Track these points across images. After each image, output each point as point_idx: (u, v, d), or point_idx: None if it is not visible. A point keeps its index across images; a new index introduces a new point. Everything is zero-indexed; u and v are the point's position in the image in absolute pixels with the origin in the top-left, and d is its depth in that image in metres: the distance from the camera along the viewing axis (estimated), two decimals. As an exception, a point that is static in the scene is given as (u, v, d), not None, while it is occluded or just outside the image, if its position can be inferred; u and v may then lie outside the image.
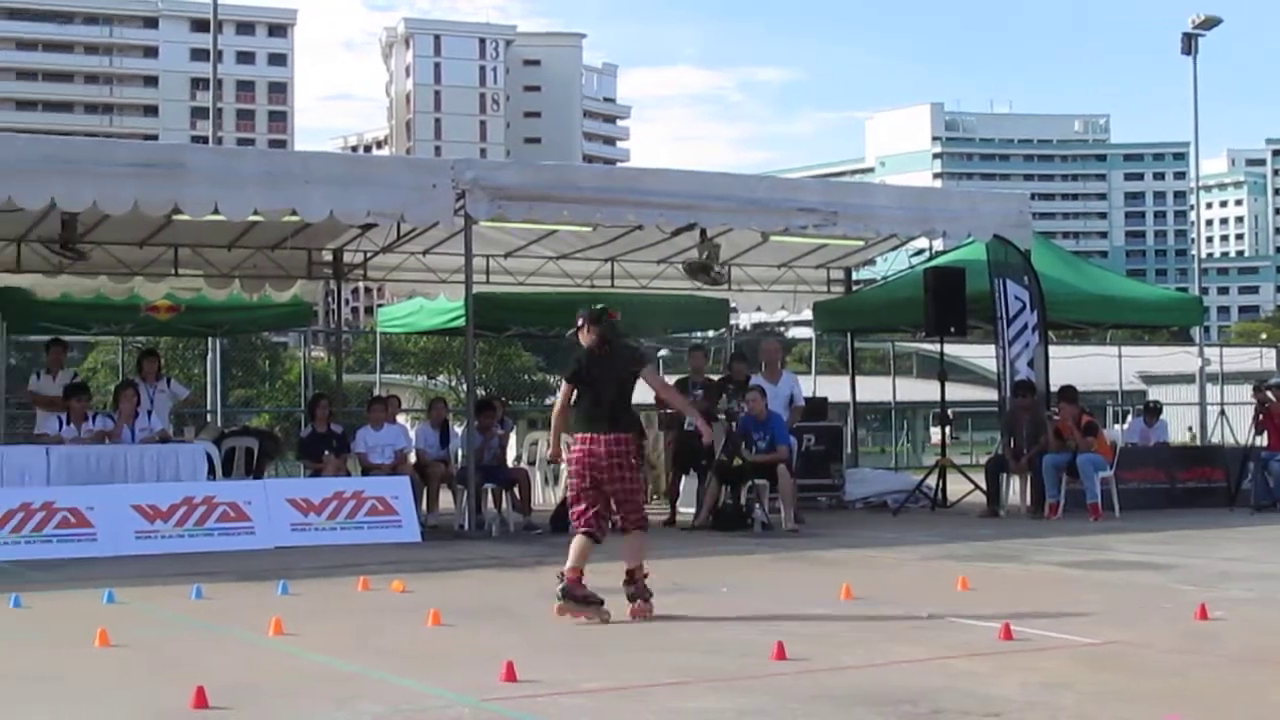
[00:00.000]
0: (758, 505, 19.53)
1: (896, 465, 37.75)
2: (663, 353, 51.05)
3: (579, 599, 11.31)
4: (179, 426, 23.58)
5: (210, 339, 30.11)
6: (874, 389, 39.40)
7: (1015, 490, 22.65)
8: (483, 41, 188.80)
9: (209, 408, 30.69)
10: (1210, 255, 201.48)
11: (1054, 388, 22.86)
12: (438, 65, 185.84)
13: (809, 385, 26.14)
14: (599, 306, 12.28)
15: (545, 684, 8.78)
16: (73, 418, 19.30)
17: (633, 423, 12.10)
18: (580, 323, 11.99)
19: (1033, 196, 31.40)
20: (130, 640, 10.47)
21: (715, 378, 22.79)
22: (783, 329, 59.80)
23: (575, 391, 11.89)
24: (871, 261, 27.94)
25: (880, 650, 10.00)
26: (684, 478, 21.38)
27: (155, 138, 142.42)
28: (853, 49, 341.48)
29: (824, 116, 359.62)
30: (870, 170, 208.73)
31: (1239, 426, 33.77)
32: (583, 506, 11.68)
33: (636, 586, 11.52)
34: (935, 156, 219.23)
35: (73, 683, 9.16)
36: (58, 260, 20.90)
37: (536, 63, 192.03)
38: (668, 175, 20.77)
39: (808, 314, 27.83)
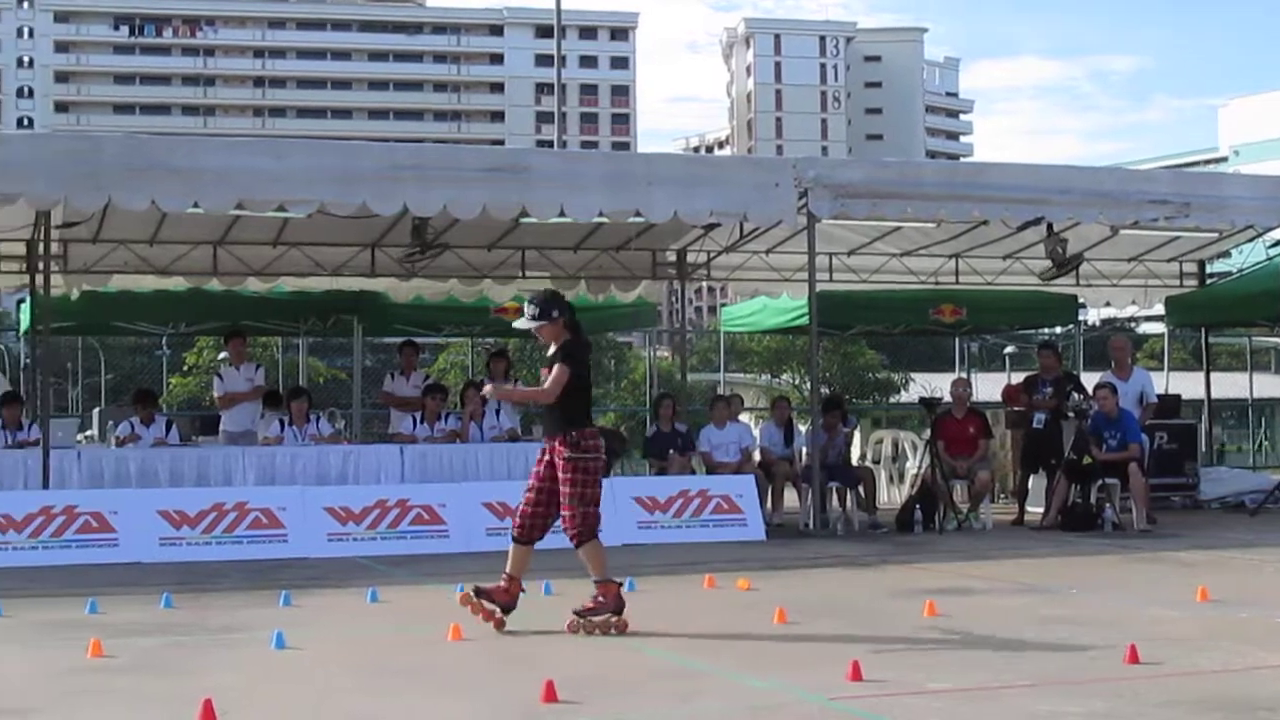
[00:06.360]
0: (1108, 505, 19.12)
1: (1255, 464, 36.60)
2: (1009, 350, 50.33)
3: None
4: (528, 425, 24.03)
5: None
6: (1230, 385, 38.26)
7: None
8: (823, 39, 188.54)
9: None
10: None
11: None
12: (778, 64, 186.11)
13: (1161, 382, 25.46)
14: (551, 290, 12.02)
15: (892, 684, 8.74)
16: (426, 416, 19.87)
17: None
18: (557, 314, 11.19)
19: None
20: (482, 634, 10.73)
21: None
22: (1133, 324, 58.47)
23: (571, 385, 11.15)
24: (1227, 254, 27.12)
25: (1238, 655, 9.71)
26: (1032, 476, 21.07)
27: (502, 143, 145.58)
28: (1206, 33, 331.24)
29: (1176, 105, 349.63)
30: (1224, 159, 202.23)
31: None
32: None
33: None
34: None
35: (428, 675, 9.42)
36: (410, 265, 21.49)
37: (877, 59, 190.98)
38: (1012, 169, 20.42)
39: (1159, 309, 27.13)
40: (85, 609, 12.13)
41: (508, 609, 11.05)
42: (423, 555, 16.34)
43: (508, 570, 11.18)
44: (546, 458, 11.17)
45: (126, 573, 15.03)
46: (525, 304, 11.34)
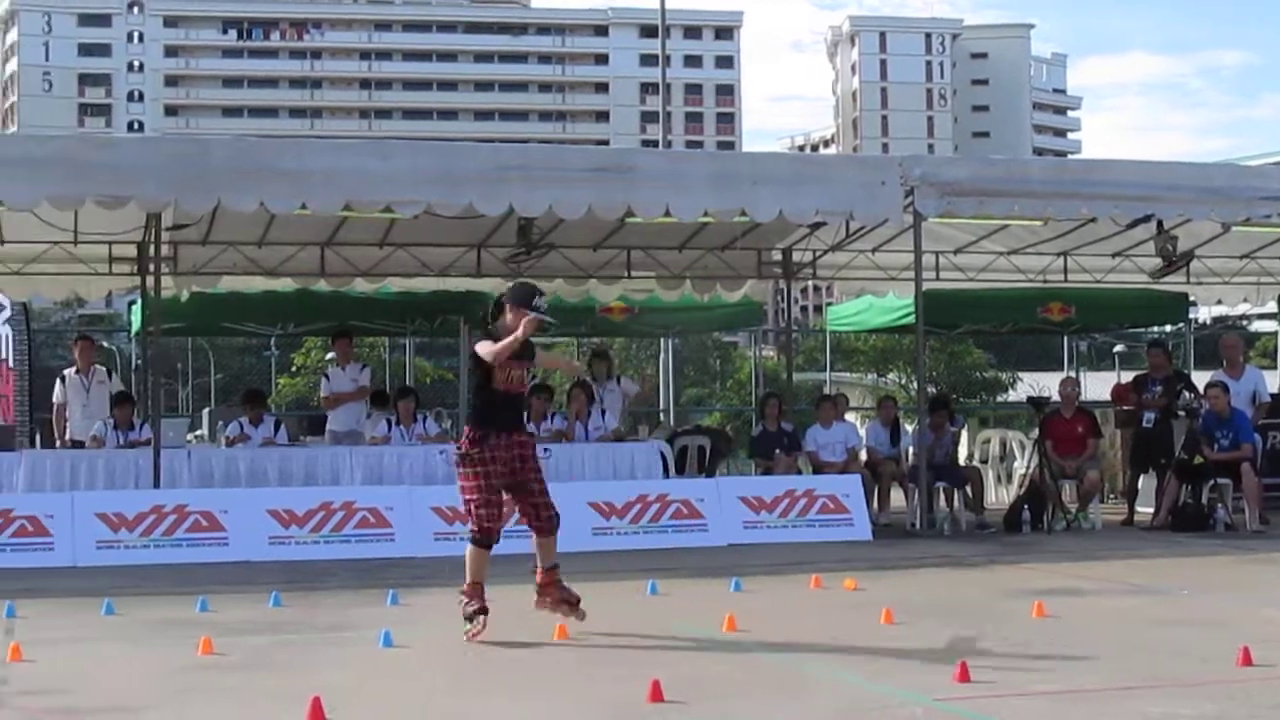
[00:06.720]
0: (1220, 505, 18.90)
1: (1370, 463, 35.98)
2: (1118, 348, 49.89)
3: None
4: (633, 425, 24.04)
5: (663, 339, 30.67)
6: (1345, 384, 37.64)
7: None
8: (928, 36, 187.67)
9: (661, 407, 31.23)
10: None
11: None
12: (883, 62, 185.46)
13: (1275, 380, 25.12)
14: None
15: (999, 685, 8.67)
16: (532, 416, 19.88)
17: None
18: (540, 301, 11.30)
19: None
20: (587, 634, 10.75)
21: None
22: (1245, 322, 57.79)
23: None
24: (1341, 249, 26.72)
25: (1355, 657, 9.56)
26: (1142, 476, 20.85)
27: (606, 143, 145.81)
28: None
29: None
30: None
31: None
32: None
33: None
34: None
35: (535, 675, 9.46)
36: (515, 265, 21.54)
37: (984, 55, 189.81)
38: (1120, 166, 20.20)
39: (1272, 306, 26.81)
40: (196, 607, 12.26)
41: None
42: (529, 554, 16.29)
43: (476, 578, 11.24)
44: (507, 453, 11.09)
45: (236, 571, 15.18)
46: (540, 297, 11.41)
